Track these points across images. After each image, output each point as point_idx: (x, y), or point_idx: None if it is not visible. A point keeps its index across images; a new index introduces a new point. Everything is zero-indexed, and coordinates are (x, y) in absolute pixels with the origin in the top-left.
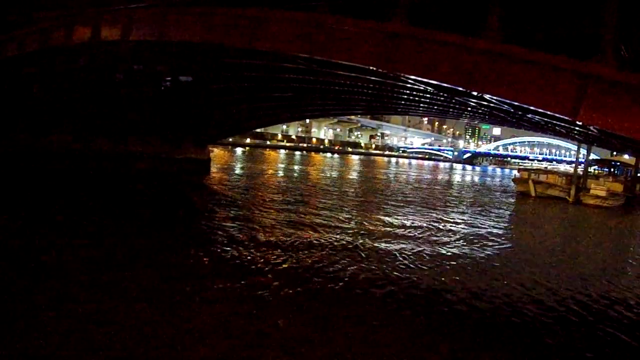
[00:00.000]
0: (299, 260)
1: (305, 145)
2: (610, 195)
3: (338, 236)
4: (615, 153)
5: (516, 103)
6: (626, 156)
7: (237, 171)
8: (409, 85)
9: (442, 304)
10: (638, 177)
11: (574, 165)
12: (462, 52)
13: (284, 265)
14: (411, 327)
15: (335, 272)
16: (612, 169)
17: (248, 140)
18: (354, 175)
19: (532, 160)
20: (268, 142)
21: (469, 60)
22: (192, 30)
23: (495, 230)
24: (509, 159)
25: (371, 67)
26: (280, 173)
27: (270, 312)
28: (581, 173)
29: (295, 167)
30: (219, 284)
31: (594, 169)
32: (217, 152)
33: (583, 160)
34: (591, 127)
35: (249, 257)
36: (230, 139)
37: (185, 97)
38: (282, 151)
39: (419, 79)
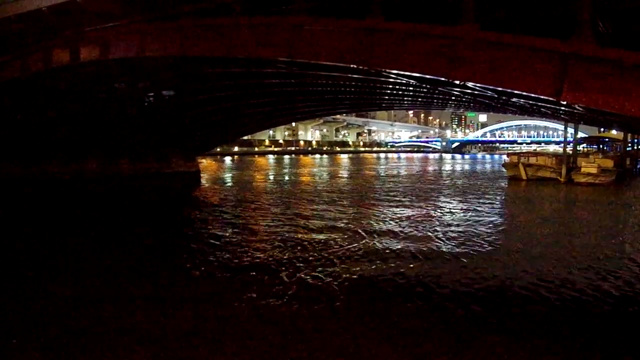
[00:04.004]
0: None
1: (293, 148)
2: (601, 171)
3: (331, 236)
4: (603, 129)
5: (499, 88)
6: (614, 131)
7: (227, 180)
8: (391, 80)
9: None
10: (627, 152)
11: (562, 145)
12: (442, 41)
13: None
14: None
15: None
16: (601, 146)
17: (236, 149)
18: (344, 174)
19: (521, 143)
20: (256, 149)
21: (448, 49)
22: (170, 44)
23: (491, 217)
24: (497, 144)
25: (352, 65)
26: (270, 178)
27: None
28: (571, 152)
29: (285, 171)
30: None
31: (583, 147)
32: (206, 163)
33: (571, 139)
34: (576, 106)
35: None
36: (218, 149)
37: (170, 111)
38: (271, 156)
39: (401, 72)
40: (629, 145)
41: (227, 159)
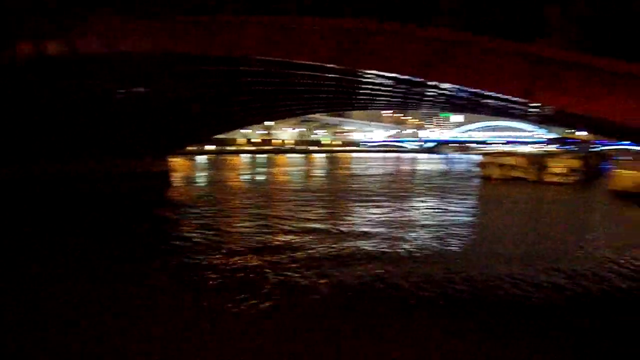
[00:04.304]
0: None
1: (268, 147)
2: (569, 171)
3: (307, 238)
4: (571, 130)
5: (473, 89)
6: (581, 133)
7: (201, 180)
8: (367, 80)
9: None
10: (593, 152)
11: (533, 145)
12: (417, 42)
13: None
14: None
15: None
16: (569, 146)
17: (209, 148)
18: (319, 173)
19: (493, 144)
20: (230, 148)
21: (424, 50)
22: (141, 41)
23: (464, 218)
24: (470, 144)
25: (330, 65)
26: (245, 178)
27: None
28: (540, 152)
29: (260, 170)
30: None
31: (552, 147)
32: (178, 162)
33: (542, 140)
34: (546, 107)
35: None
36: (192, 148)
37: (141, 109)
38: (245, 155)
39: (377, 72)
40: (595, 146)
41: (201, 158)
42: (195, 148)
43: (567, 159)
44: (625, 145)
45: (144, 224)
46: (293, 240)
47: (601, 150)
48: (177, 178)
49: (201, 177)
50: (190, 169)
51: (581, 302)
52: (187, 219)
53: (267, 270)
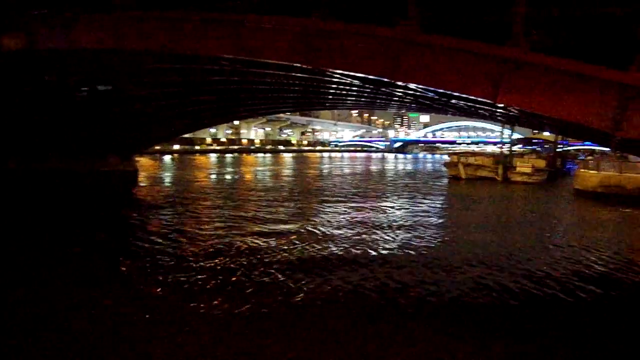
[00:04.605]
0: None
1: (235, 147)
2: (535, 171)
3: (277, 241)
4: (536, 131)
5: (440, 90)
6: (546, 133)
7: (167, 180)
8: (335, 80)
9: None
10: (558, 152)
11: (500, 145)
12: (385, 43)
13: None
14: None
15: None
16: (534, 147)
17: (176, 147)
18: (288, 173)
19: (460, 144)
20: (197, 147)
21: (392, 51)
22: (104, 37)
23: (432, 219)
24: (438, 144)
25: (296, 64)
26: (213, 178)
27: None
28: (507, 152)
29: (228, 170)
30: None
31: (519, 148)
32: (144, 162)
33: (508, 140)
34: (511, 108)
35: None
36: (158, 147)
37: (105, 107)
38: (213, 155)
39: (345, 72)
40: (560, 146)
41: (167, 158)
42: (162, 147)
43: (533, 159)
44: (590, 146)
45: (106, 227)
46: (262, 244)
47: (566, 150)
48: (143, 178)
49: (169, 177)
50: (157, 168)
51: (544, 304)
52: (152, 221)
53: (233, 276)
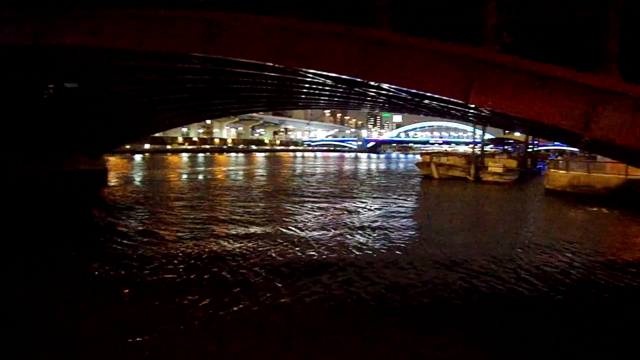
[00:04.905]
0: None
1: (207, 146)
2: (506, 171)
3: (251, 244)
4: (507, 131)
5: (413, 90)
6: (517, 133)
7: (138, 180)
8: (308, 79)
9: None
10: (529, 153)
11: (471, 145)
12: (359, 43)
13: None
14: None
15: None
16: (505, 147)
17: (147, 146)
18: (261, 173)
19: (433, 144)
20: (169, 147)
21: (365, 51)
22: (72, 33)
23: (403, 221)
24: (411, 144)
25: (268, 63)
26: (184, 178)
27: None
28: (479, 153)
29: (200, 170)
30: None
31: (490, 148)
32: (114, 161)
33: (480, 140)
34: (483, 109)
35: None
36: (128, 146)
37: (74, 105)
38: (185, 154)
39: (318, 72)
40: (530, 146)
41: (138, 157)
42: (132, 147)
43: (504, 159)
44: (560, 146)
45: (71, 230)
46: (233, 248)
47: (537, 150)
48: (114, 177)
49: (140, 177)
50: (128, 168)
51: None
52: (122, 223)
53: (198, 285)
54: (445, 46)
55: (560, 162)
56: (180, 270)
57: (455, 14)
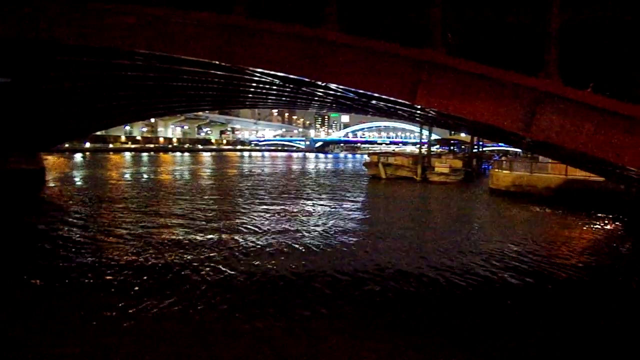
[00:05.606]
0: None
1: (152, 145)
2: (452, 171)
3: (196, 251)
4: (453, 132)
5: (360, 90)
6: (463, 134)
7: (78, 181)
8: (256, 78)
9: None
10: (474, 153)
11: (418, 146)
12: (305, 43)
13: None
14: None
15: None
16: (451, 147)
17: (88, 145)
18: (207, 173)
19: (381, 144)
20: (111, 145)
21: (313, 52)
22: (6, 24)
23: (353, 217)
24: (359, 144)
25: (214, 61)
26: (128, 178)
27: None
28: (425, 153)
29: (144, 169)
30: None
31: (437, 148)
32: (52, 161)
33: (426, 141)
34: (429, 110)
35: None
36: (67, 145)
37: (7, 101)
38: (128, 154)
39: (265, 71)
40: (475, 147)
41: (78, 156)
42: (72, 145)
43: (450, 159)
44: (504, 147)
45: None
46: (180, 260)
47: (482, 151)
48: (52, 178)
49: (80, 178)
50: (67, 167)
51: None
52: (61, 228)
53: (139, 304)
54: (393, 47)
55: (504, 162)
56: (120, 278)
57: (402, 16)
